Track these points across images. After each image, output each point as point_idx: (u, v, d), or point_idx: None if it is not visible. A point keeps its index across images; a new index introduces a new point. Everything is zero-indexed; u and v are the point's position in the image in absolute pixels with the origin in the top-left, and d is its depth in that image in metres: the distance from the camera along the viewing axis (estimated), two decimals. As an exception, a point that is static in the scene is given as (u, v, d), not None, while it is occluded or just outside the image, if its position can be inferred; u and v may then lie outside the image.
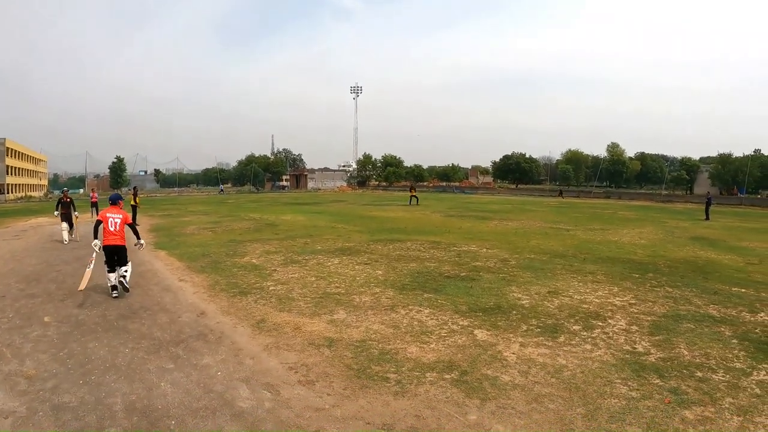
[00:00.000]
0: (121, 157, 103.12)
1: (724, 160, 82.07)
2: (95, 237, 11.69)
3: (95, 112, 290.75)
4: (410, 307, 9.99)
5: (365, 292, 11.25)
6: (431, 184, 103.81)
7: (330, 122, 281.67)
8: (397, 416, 5.67)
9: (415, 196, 45.44)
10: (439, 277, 12.60)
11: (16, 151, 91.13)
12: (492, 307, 9.92)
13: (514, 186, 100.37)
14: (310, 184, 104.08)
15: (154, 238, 21.47)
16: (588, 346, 7.75)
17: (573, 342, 7.95)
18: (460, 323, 8.93)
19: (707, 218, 33.11)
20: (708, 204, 34.63)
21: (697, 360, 7.23)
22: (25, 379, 6.86)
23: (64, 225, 20.59)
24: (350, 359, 7.41)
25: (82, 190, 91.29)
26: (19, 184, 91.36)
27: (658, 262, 15.19)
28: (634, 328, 8.67)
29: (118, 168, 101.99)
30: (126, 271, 11.40)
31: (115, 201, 12.13)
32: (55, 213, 21.29)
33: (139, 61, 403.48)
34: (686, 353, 7.50)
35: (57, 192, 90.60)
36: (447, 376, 6.71)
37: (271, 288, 11.80)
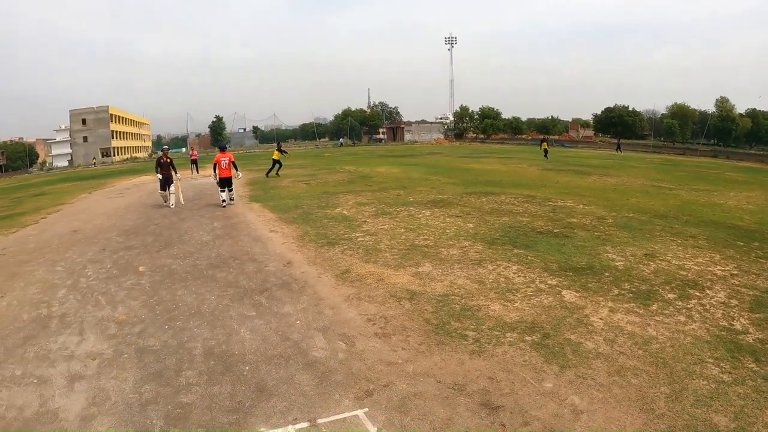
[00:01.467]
0: (221, 116, 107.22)
1: None
2: (214, 172, 18.06)
3: (194, 77, 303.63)
4: (498, 262, 9.56)
5: (454, 245, 10.92)
6: (530, 137, 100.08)
7: (427, 76, 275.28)
8: (469, 377, 5.42)
9: (545, 149, 42.92)
10: (531, 233, 11.99)
11: (119, 117, 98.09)
12: (583, 267, 9.25)
13: (615, 140, 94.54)
14: (407, 137, 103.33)
15: (249, 191, 22.20)
16: (682, 318, 6.98)
17: (666, 312, 7.19)
18: (549, 282, 8.40)
19: None
20: None
21: None
22: (116, 324, 7.29)
23: (165, 192, 18.15)
24: (430, 313, 7.20)
25: (184, 149, 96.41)
26: (125, 147, 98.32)
27: (765, 231, 13.58)
28: (734, 302, 7.69)
29: (217, 127, 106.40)
30: (233, 192, 18.29)
31: (223, 149, 19.18)
32: (158, 176, 18.18)
33: (233, 25, 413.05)
34: None
35: (158, 152, 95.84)
36: (528, 338, 6.32)
37: (359, 239, 11.77)
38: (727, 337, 6.36)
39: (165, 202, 18.37)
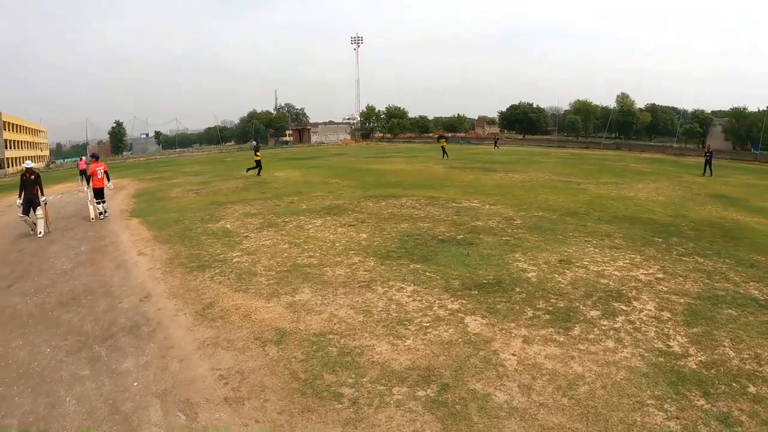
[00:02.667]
0: (120, 121, 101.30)
1: (738, 114, 77.49)
2: (88, 184, 16.80)
3: (93, 81, 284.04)
4: (391, 282, 8.18)
5: (341, 262, 9.46)
6: (437, 135, 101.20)
7: (333, 77, 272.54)
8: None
9: (443, 146, 39.89)
10: (432, 241, 10.75)
11: (13, 124, 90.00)
12: (491, 282, 8.08)
13: (521, 137, 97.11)
14: (314, 138, 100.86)
15: (133, 204, 19.86)
16: (610, 343, 5.93)
17: (591, 336, 6.12)
18: (450, 306, 7.11)
19: (708, 173, 29.52)
20: (708, 160, 30.50)
21: (747, 366, 5.42)
22: None
23: (28, 216, 14.26)
24: (299, 363, 5.68)
25: (84, 158, 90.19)
26: (20, 157, 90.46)
27: (680, 224, 13.18)
28: (666, 314, 6.82)
29: (117, 132, 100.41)
30: (106, 203, 16.92)
31: (96, 158, 17.93)
32: (18, 202, 14.28)
33: (133, 26, 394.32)
34: (732, 354, 5.70)
35: (61, 161, 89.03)
36: (421, 393, 4.94)
37: (235, 260, 10.08)
38: (667, 365, 5.36)
39: (31, 231, 14.35)
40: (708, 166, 29.86)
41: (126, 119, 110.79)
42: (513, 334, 6.17)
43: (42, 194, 14.51)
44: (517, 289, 7.70)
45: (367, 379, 5.23)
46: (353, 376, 5.30)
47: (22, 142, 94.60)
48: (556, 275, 8.41)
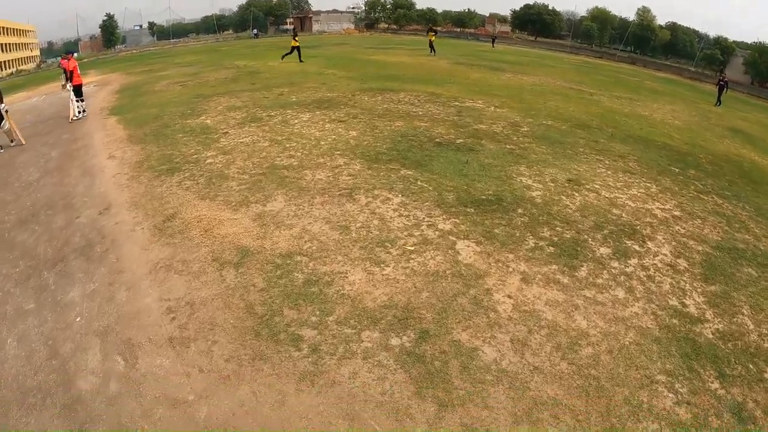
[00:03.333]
0: (112, 14, 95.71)
1: (762, 49, 72.42)
2: (69, 81, 15.04)
3: None
4: (376, 192, 7.18)
5: (324, 164, 8.43)
6: (445, 29, 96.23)
7: None
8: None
9: (431, 41, 34.74)
10: (428, 144, 9.62)
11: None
12: (490, 198, 7.08)
13: (533, 38, 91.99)
14: (316, 27, 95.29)
15: (115, 101, 18.47)
16: (620, 293, 5.07)
17: (599, 281, 5.24)
18: (440, 226, 6.16)
19: (719, 103, 26.75)
20: (721, 88, 27.51)
21: (766, 344, 4.59)
22: None
23: None
24: (257, 293, 4.85)
25: (76, 54, 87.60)
26: (8, 60, 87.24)
27: (698, 155, 11.88)
28: (683, 263, 5.90)
29: (109, 26, 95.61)
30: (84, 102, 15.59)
31: (73, 54, 16.09)
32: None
33: None
34: (751, 326, 4.86)
35: (53, 60, 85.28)
36: (395, 341, 4.13)
37: (208, 161, 9.08)
38: (681, 330, 4.55)
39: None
40: (720, 94, 27.36)
41: (117, 11, 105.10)
42: (510, 269, 5.27)
43: (2, 101, 12.99)
44: (519, 210, 6.72)
45: (333, 318, 4.40)
46: (318, 313, 4.47)
47: (9, 44, 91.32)
48: (564, 197, 7.40)
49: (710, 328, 4.68)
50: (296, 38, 28.62)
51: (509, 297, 4.78)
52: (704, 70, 74.10)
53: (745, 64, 73.28)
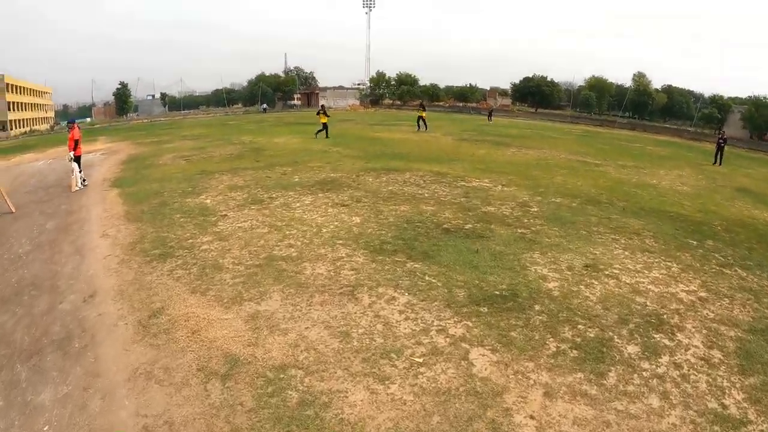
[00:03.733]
0: (125, 83, 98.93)
1: (758, 103, 74.37)
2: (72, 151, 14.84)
3: (98, 40, 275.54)
4: (380, 289, 6.66)
5: (325, 256, 7.95)
6: (447, 104, 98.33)
7: (344, 41, 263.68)
8: None
9: (422, 118, 33.77)
10: (435, 231, 9.20)
11: (16, 86, 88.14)
12: (504, 293, 6.57)
13: (533, 110, 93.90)
14: (322, 103, 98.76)
15: (119, 172, 18.41)
16: (654, 400, 4.51)
17: (630, 388, 4.68)
18: (451, 331, 5.60)
19: (718, 163, 26.38)
20: (720, 146, 27.02)
21: None
22: None
23: None
24: (245, 415, 4.28)
25: (89, 119, 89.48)
26: (24, 119, 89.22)
27: (712, 222, 11.57)
28: (716, 354, 5.37)
29: (122, 94, 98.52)
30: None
31: (73, 122, 16.23)
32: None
33: None
34: None
35: (65, 123, 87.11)
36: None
37: (203, 247, 8.63)
38: None
39: None
40: (719, 153, 26.89)
41: (131, 80, 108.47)
42: (531, 381, 4.68)
43: None
44: (537, 307, 6.19)
45: (332, 455, 3.77)
46: (312, 448, 3.84)
47: (26, 103, 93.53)
48: (583, 287, 6.90)
49: (755, 430, 4.08)
50: (325, 114, 29.09)
51: (532, 418, 4.18)
52: (703, 129, 75.17)
53: (743, 119, 74.16)
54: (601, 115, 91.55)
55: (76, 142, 15.07)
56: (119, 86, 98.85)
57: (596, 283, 7.12)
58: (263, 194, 12.48)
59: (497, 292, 6.57)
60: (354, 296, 6.42)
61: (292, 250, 8.23)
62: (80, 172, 15.23)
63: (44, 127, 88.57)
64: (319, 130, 28.55)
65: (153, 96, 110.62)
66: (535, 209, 11.20)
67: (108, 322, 6.17)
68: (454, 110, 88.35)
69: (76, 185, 14.81)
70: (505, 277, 7.07)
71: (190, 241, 9.01)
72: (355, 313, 6.00)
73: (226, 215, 10.62)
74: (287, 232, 9.18)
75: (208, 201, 12.09)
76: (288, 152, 21.42)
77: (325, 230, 9.29)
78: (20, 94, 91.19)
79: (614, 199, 13.03)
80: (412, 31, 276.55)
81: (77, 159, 15.08)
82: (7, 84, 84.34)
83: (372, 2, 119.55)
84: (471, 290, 6.60)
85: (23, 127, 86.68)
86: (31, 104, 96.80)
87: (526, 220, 10.15)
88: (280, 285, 6.84)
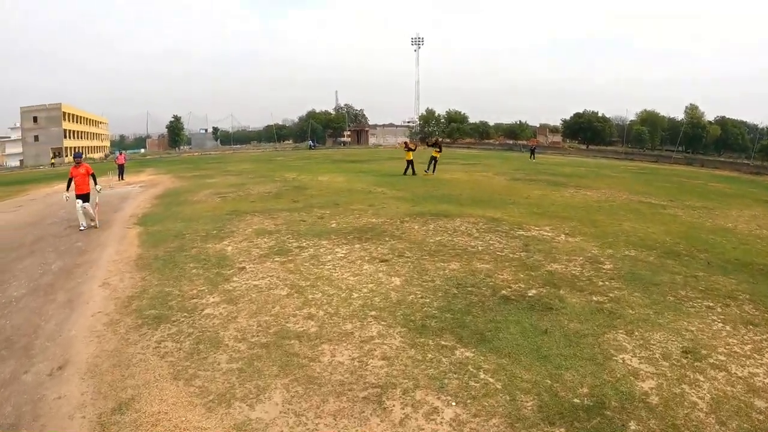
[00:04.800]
0: (178, 116, 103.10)
1: None
2: (67, 190, 14.04)
3: (154, 75, 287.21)
4: (419, 393, 4.87)
5: (351, 334, 6.23)
6: (498, 142, 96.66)
7: (395, 79, 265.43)
8: None
9: (434, 158, 28.48)
10: (491, 299, 7.35)
11: (73, 114, 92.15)
12: (587, 403, 4.70)
13: (584, 146, 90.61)
14: (372, 141, 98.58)
15: (149, 208, 17.53)
16: None
17: None
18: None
19: None
20: None
21: None
22: None
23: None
24: None
25: (143, 150, 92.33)
26: (80, 147, 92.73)
27: None
28: None
29: (175, 127, 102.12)
30: (92, 210, 13.91)
31: (78, 157, 14.55)
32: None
33: (192, 20, 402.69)
34: None
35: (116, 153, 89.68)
36: None
37: (207, 310, 7.13)
38: None
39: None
40: None
41: (184, 113, 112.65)
42: None
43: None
44: (633, 426, 4.30)
45: None
46: None
47: (82, 132, 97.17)
48: (686, 387, 4.96)
49: None
50: (436, 149, 28.35)
51: None
52: (763, 162, 69.83)
53: None
54: (654, 150, 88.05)
55: (70, 180, 14.00)
56: (172, 119, 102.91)
57: (702, 379, 5.15)
58: (292, 243, 10.98)
59: (577, 401, 4.69)
60: (381, 405, 4.64)
61: (311, 323, 6.55)
62: (82, 208, 13.80)
63: (99, 155, 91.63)
64: (432, 164, 27.56)
65: (206, 130, 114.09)
66: (609, 266, 9.21)
67: (65, 411, 4.80)
68: (504, 148, 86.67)
69: (82, 224, 13.76)
70: (585, 374, 5.16)
71: (194, 300, 7.52)
72: (381, 435, 4.24)
73: (244, 268, 9.14)
74: (309, 297, 7.53)
75: (230, 248, 10.69)
76: (330, 192, 20.05)
77: (356, 295, 7.59)
78: (77, 123, 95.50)
79: (693, 250, 10.85)
80: (461, 69, 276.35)
81: (82, 197, 13.78)
82: (64, 112, 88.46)
83: (421, 40, 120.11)
84: (542, 397, 4.73)
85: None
86: (88, 133, 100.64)
87: (600, 283, 8.18)
88: (285, 378, 5.15)
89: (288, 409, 4.60)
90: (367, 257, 9.67)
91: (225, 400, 4.78)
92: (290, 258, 9.70)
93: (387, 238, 11.21)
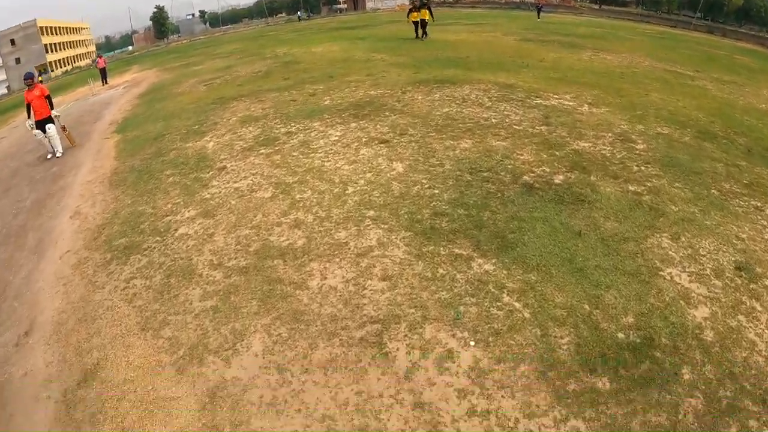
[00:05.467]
0: (161, 5, 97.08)
1: None
2: (29, 117, 11.65)
3: None
4: (427, 329, 3.97)
5: (345, 246, 5.25)
6: (504, 0, 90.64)
7: None
8: None
9: (423, 20, 24.01)
10: (512, 188, 6.22)
11: (51, 27, 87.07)
12: (633, 339, 3.84)
13: (597, 6, 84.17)
14: (369, 5, 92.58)
15: (130, 110, 16.03)
16: None
17: None
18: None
19: None
20: None
21: None
22: None
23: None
24: None
25: (131, 47, 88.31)
26: (64, 58, 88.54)
27: None
28: None
29: (159, 17, 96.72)
30: (54, 134, 11.52)
31: (30, 77, 11.79)
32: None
33: None
34: None
35: (111, 54, 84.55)
36: None
37: (180, 231, 6.22)
38: None
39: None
40: None
41: (167, 2, 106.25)
42: None
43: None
44: (686, 375, 3.48)
45: None
46: None
47: (64, 43, 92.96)
48: (743, 318, 4.05)
49: None
50: (417, 11, 23.88)
51: None
52: None
53: None
54: (670, 14, 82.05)
55: (28, 106, 11.64)
56: (155, 10, 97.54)
57: (759, 308, 4.17)
58: (280, 129, 9.75)
59: (621, 336, 3.75)
60: (382, 349, 3.74)
61: (299, 234, 5.55)
62: (45, 137, 11.63)
63: (86, 62, 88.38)
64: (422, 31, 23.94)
65: (193, 15, 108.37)
66: (642, 146, 7.87)
67: (30, 393, 4.14)
68: (511, 6, 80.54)
69: (48, 152, 11.72)
70: (630, 297, 4.19)
71: (168, 218, 6.58)
72: (382, 395, 3.36)
73: (224, 168, 8.05)
74: (297, 197, 6.49)
75: (211, 144, 9.57)
76: (324, 64, 18.23)
77: (351, 190, 6.50)
78: (56, 34, 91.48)
79: (731, 132, 9.35)
80: None
81: (39, 123, 11.52)
82: (41, 27, 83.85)
83: None
84: (579, 330, 3.78)
85: (65, 66, 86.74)
86: (70, 42, 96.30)
87: (635, 168, 6.93)
88: (266, 317, 4.26)
89: (269, 362, 3.76)
90: (364, 138, 8.45)
91: (197, 356, 3.96)
92: (277, 148, 8.54)
93: (387, 113, 9.90)
